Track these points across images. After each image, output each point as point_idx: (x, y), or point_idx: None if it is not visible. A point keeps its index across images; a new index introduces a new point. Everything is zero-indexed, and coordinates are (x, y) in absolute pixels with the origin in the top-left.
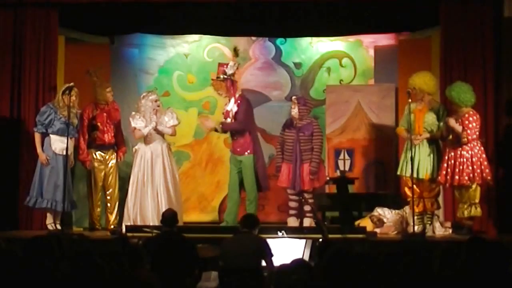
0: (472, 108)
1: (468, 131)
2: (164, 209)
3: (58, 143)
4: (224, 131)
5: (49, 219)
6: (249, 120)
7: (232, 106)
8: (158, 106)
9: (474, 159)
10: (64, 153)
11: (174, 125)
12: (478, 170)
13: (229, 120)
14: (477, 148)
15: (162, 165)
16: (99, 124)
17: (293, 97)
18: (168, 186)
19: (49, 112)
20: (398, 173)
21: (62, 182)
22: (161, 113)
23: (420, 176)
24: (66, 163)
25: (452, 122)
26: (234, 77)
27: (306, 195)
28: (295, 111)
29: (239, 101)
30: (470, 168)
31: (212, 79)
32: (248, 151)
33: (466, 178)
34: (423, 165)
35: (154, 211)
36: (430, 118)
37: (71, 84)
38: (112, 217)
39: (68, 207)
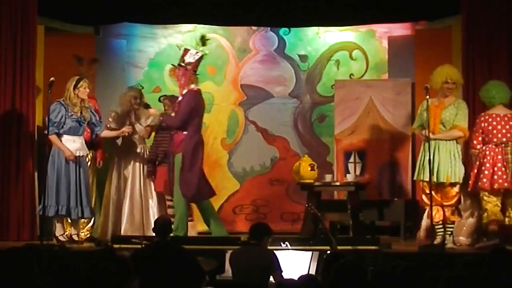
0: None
1: None
2: (147, 219)
3: (70, 143)
4: (160, 125)
5: (60, 230)
6: (191, 119)
7: (179, 99)
8: (138, 104)
9: None
10: (77, 154)
11: (150, 126)
12: None
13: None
14: None
15: (141, 172)
16: None
17: (163, 98)
18: (147, 195)
19: (59, 109)
20: (415, 177)
21: (74, 186)
22: (143, 113)
23: (441, 180)
24: (80, 164)
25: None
26: (192, 67)
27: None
28: (170, 113)
29: (182, 96)
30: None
31: (172, 65)
32: (178, 150)
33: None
34: (443, 168)
35: (139, 221)
36: (448, 115)
37: (80, 76)
38: (86, 227)
39: (81, 213)
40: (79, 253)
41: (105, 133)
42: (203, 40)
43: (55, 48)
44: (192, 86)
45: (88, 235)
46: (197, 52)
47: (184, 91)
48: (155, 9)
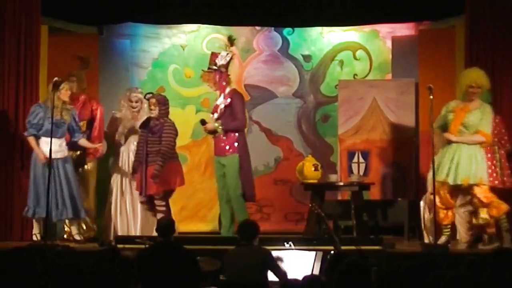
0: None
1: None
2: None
3: (47, 146)
4: (225, 132)
5: (36, 229)
6: (245, 118)
7: (221, 101)
8: (135, 108)
9: None
10: (55, 156)
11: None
12: None
13: (215, 115)
14: None
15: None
16: None
17: (148, 96)
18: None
19: (38, 111)
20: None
21: (54, 188)
22: (144, 114)
23: (458, 182)
24: (57, 166)
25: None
26: (226, 69)
27: (157, 202)
28: (155, 112)
29: (230, 97)
30: None
31: (202, 70)
32: (231, 151)
33: None
34: (462, 171)
35: (136, 220)
36: (472, 119)
37: (59, 78)
38: (88, 227)
39: (60, 215)
40: (82, 253)
41: (82, 142)
42: (231, 41)
43: (58, 48)
44: (231, 87)
45: (88, 235)
46: (227, 54)
47: (227, 93)
48: (159, 9)
